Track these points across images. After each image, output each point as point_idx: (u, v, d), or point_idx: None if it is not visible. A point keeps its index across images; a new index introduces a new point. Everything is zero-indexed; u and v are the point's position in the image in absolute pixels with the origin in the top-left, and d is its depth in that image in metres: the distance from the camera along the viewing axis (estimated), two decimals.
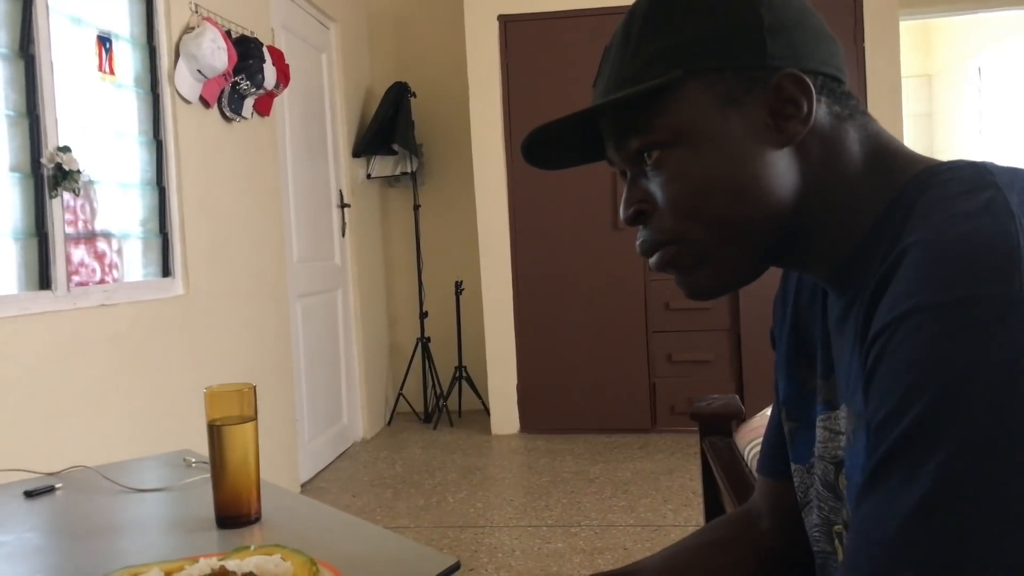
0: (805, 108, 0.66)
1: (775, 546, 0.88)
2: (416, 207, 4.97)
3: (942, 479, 0.51)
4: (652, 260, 0.72)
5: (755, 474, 1.51)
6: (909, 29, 6.68)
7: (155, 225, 2.85)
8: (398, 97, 4.78)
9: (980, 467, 0.50)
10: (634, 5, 0.72)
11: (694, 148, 0.67)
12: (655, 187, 0.70)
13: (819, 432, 0.75)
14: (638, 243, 0.72)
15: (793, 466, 0.81)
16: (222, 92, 3.14)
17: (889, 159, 0.68)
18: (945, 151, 7.41)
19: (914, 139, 7.53)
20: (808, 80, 0.66)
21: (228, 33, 3.12)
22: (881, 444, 0.55)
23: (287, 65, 3.52)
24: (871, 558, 0.53)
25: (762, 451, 0.92)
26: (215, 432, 1.07)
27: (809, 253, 0.70)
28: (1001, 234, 0.55)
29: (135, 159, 2.78)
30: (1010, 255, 0.54)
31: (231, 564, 0.88)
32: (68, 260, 2.37)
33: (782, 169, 0.67)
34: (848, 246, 0.68)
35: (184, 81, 2.90)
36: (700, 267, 0.70)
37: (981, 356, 0.51)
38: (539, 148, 0.76)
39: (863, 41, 4.25)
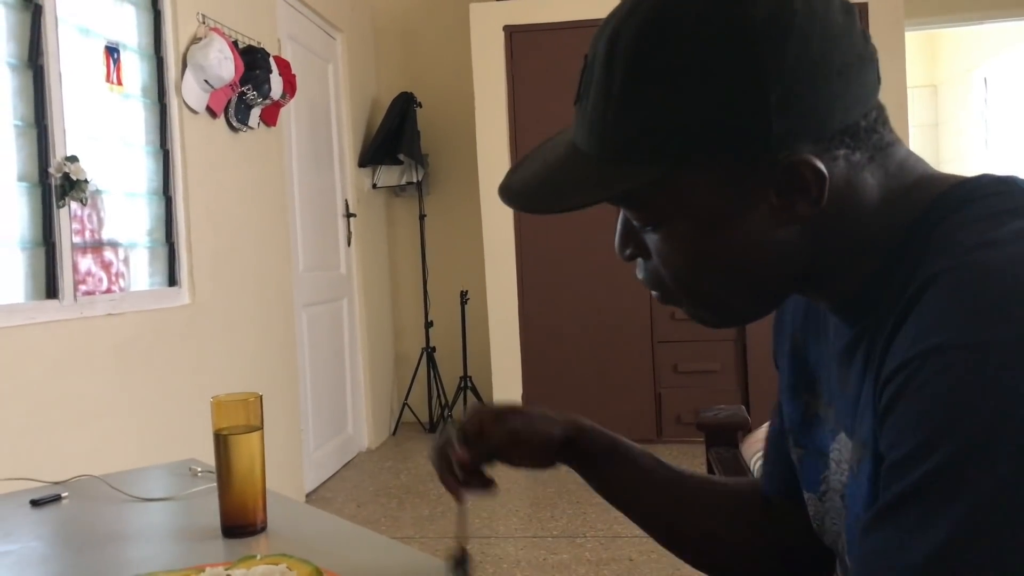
0: (815, 193, 0.59)
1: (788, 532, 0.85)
2: (422, 217, 4.98)
3: (961, 528, 0.48)
4: (653, 294, 0.70)
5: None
6: (915, 39, 6.68)
7: (161, 234, 2.86)
8: (404, 107, 4.79)
9: (1001, 520, 0.48)
10: (612, 42, 0.60)
11: (686, 227, 0.62)
12: (648, 241, 0.65)
13: (832, 464, 0.72)
14: (638, 276, 0.69)
15: (805, 494, 0.78)
16: (229, 102, 3.15)
17: (906, 191, 0.62)
18: (951, 161, 7.39)
19: (920, 150, 7.49)
20: (820, 165, 0.58)
21: (235, 43, 3.13)
22: (895, 482, 0.52)
23: (294, 75, 3.53)
24: None
25: (764, 470, 0.90)
26: (221, 441, 1.06)
27: (814, 290, 0.67)
28: None
29: (142, 169, 2.79)
30: None
31: (237, 573, 0.88)
32: (75, 269, 2.38)
33: (785, 240, 0.62)
34: (857, 279, 0.63)
35: (191, 91, 2.92)
36: (700, 310, 0.68)
37: (1013, 406, 0.48)
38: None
39: None
